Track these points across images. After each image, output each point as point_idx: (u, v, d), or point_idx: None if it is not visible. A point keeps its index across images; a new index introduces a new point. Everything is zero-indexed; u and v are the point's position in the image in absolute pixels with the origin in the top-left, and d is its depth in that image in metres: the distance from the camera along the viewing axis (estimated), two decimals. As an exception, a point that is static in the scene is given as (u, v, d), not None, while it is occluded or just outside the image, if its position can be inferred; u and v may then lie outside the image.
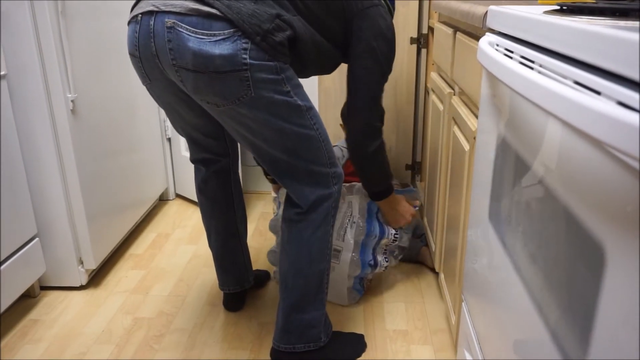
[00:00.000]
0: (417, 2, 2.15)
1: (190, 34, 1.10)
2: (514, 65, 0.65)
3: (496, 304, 0.89)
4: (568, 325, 0.59)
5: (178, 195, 2.58)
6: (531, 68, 0.68)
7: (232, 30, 1.10)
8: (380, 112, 1.51)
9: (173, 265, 1.95)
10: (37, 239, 1.67)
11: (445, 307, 1.53)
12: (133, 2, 1.23)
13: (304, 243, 1.31)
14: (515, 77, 0.62)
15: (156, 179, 2.35)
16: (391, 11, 1.42)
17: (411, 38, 2.18)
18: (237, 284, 1.64)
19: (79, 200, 1.68)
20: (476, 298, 1.05)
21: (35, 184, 1.65)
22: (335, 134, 2.28)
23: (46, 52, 1.53)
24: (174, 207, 2.47)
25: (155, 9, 1.13)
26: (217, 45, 1.09)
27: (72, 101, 1.61)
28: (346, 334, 1.51)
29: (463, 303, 1.18)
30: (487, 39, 0.90)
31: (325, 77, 2.26)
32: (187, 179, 2.45)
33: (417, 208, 1.73)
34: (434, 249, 1.71)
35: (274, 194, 2.01)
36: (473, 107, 1.23)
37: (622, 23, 0.58)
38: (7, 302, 1.54)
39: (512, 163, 0.81)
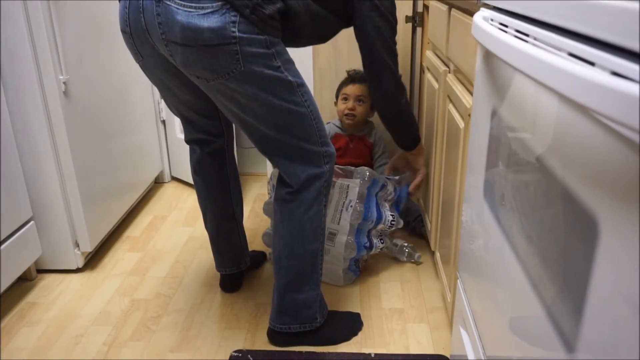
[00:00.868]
0: (412, -20, 2.12)
1: (178, 7, 1.09)
2: (508, 38, 0.64)
3: (491, 282, 0.90)
4: (562, 300, 0.59)
5: (174, 178, 2.58)
6: (526, 41, 0.67)
7: (220, 3, 1.09)
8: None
9: (170, 247, 1.95)
10: (32, 222, 1.66)
11: (441, 286, 1.54)
12: None
13: (296, 222, 1.30)
14: (509, 50, 0.62)
15: (151, 161, 2.34)
16: None
17: (406, 17, 2.16)
18: (234, 265, 1.64)
19: (74, 183, 1.67)
20: (471, 276, 1.05)
21: (29, 166, 1.64)
22: (332, 115, 2.27)
23: (36, 33, 1.51)
24: (169, 190, 2.47)
25: None
26: (205, 18, 1.08)
27: (64, 83, 1.59)
28: (342, 313, 1.52)
29: (458, 281, 1.19)
30: (482, 14, 0.89)
31: (320, 58, 2.24)
32: (182, 162, 2.44)
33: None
34: (429, 228, 1.72)
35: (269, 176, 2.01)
36: (468, 84, 1.22)
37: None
38: (4, 285, 1.54)
39: (507, 139, 0.80)
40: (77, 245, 1.76)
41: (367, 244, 1.66)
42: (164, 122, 2.45)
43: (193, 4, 1.09)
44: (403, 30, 2.19)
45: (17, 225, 1.59)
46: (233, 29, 1.09)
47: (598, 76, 0.42)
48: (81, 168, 1.70)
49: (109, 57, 1.91)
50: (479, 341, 0.97)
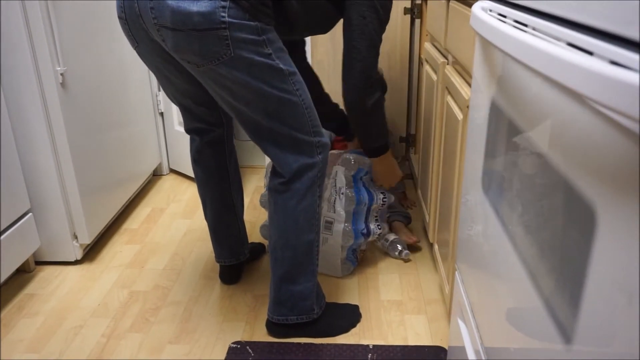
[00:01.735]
0: (411, -29, 2.11)
1: None
2: (507, 28, 0.64)
3: (489, 273, 0.90)
4: (559, 290, 0.59)
5: (172, 170, 2.58)
6: (524, 32, 0.67)
7: None
8: (377, 68, 1.46)
9: (168, 239, 1.95)
10: (30, 214, 1.66)
11: (439, 278, 1.54)
12: None
13: (289, 213, 1.30)
14: (508, 40, 0.61)
15: (149, 153, 2.34)
16: None
17: (405, 8, 2.15)
18: (232, 257, 1.64)
19: (72, 175, 1.67)
20: (470, 268, 1.06)
21: (27, 158, 1.63)
22: (329, 106, 2.27)
23: (33, 24, 1.50)
24: (168, 182, 2.47)
25: None
26: (195, 2, 1.08)
27: (61, 74, 1.59)
28: (341, 305, 1.52)
29: (457, 273, 1.19)
30: (480, 4, 0.88)
31: (319, 49, 2.23)
32: (180, 154, 2.44)
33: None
34: (428, 220, 1.72)
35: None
36: (466, 76, 1.22)
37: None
38: (2, 277, 1.54)
39: (505, 130, 0.80)
40: (75, 237, 1.76)
41: (364, 231, 1.66)
42: (162, 114, 2.45)
43: None
44: (401, 22, 2.18)
45: (15, 217, 1.59)
46: (223, 14, 1.09)
47: (597, 65, 0.41)
48: (79, 160, 1.70)
49: (106, 49, 1.91)
50: (476, 332, 0.98)
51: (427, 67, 1.77)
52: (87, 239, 1.76)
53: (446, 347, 1.38)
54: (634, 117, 0.38)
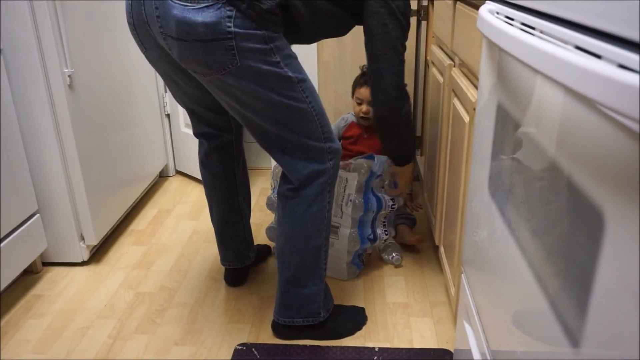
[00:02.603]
0: (418, -26, 2.11)
1: (174, 1, 1.09)
2: (514, 31, 0.64)
3: (496, 276, 0.90)
4: (567, 294, 0.59)
5: (178, 172, 2.58)
6: (532, 34, 0.67)
7: None
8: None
9: (174, 241, 1.96)
10: (37, 215, 1.67)
11: (445, 280, 1.54)
12: None
13: (298, 219, 1.30)
14: (515, 43, 0.61)
15: (156, 155, 2.35)
16: None
17: (411, 11, 2.15)
18: (237, 260, 1.64)
19: (79, 176, 1.68)
20: (476, 270, 1.05)
21: (34, 160, 1.64)
22: (336, 109, 2.27)
23: (42, 26, 1.51)
24: (174, 184, 2.47)
25: None
26: (200, 12, 1.07)
27: (69, 76, 1.59)
28: (347, 308, 1.52)
29: (463, 275, 1.19)
30: (487, 7, 0.88)
31: (325, 51, 2.23)
32: (187, 156, 2.44)
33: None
34: (434, 222, 1.72)
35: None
36: (473, 78, 1.22)
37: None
38: (9, 278, 1.55)
39: (512, 133, 0.80)
40: (82, 238, 1.77)
41: (371, 236, 1.66)
42: (168, 115, 2.45)
43: None
44: (408, 24, 2.18)
45: (23, 219, 1.59)
46: (228, 24, 1.07)
47: (605, 69, 0.41)
48: (86, 162, 1.70)
49: (113, 51, 1.91)
50: (482, 335, 0.97)
51: (433, 70, 1.76)
52: (93, 240, 1.77)
53: (452, 350, 1.38)
54: (636, 118, 0.38)
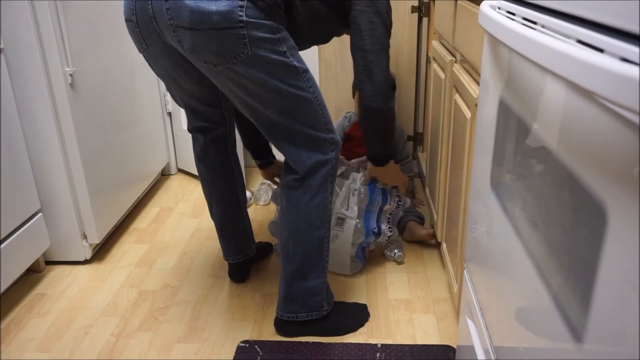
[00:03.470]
0: (418, -30, 2.11)
1: None
2: (515, 26, 0.63)
3: (498, 271, 0.89)
4: (569, 289, 0.59)
5: (180, 170, 2.58)
6: (533, 29, 0.67)
7: None
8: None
9: (176, 239, 1.96)
10: (40, 214, 1.67)
11: (448, 277, 1.54)
12: None
13: (302, 209, 1.31)
14: (517, 37, 0.61)
15: (158, 153, 2.35)
16: None
17: (412, 7, 2.15)
18: (240, 253, 1.65)
19: (81, 175, 1.68)
20: (478, 266, 1.05)
21: (36, 159, 1.65)
22: (337, 106, 2.27)
23: (43, 25, 1.51)
24: (176, 182, 2.47)
25: None
26: (213, 2, 1.09)
27: (70, 75, 1.59)
28: (349, 304, 1.52)
29: (465, 271, 1.19)
30: (489, 2, 0.88)
31: (326, 49, 2.23)
32: (188, 154, 2.44)
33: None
34: (436, 219, 1.71)
35: (262, 180, 2.04)
36: (475, 74, 1.21)
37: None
38: (13, 277, 1.55)
39: (514, 128, 0.80)
40: (84, 237, 1.77)
41: (376, 230, 1.67)
42: (170, 114, 2.45)
43: None
44: (409, 21, 2.18)
45: (26, 218, 1.60)
46: (241, 13, 1.10)
47: (608, 62, 0.41)
48: (88, 160, 1.71)
49: (115, 50, 1.91)
50: (485, 331, 0.97)
51: (434, 66, 1.76)
52: (96, 238, 1.77)
53: (455, 346, 1.38)
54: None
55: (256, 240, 1.76)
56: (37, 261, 1.73)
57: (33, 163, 1.65)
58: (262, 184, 2.21)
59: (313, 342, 1.41)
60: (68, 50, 1.58)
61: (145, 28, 1.21)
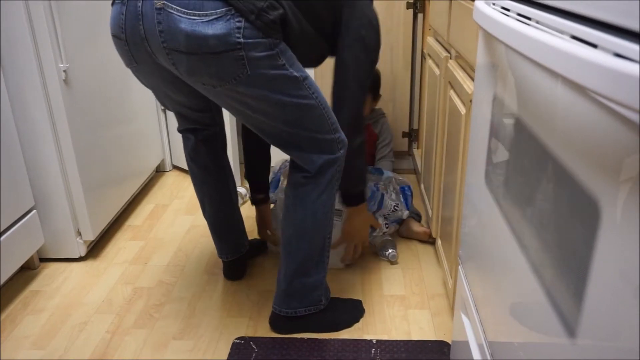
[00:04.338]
0: (413, -34, 2.11)
1: (181, 15, 1.07)
2: (510, 21, 0.63)
3: (493, 267, 0.90)
4: (563, 284, 0.59)
5: (175, 167, 2.58)
6: (528, 25, 0.67)
7: (224, 9, 1.07)
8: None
9: (171, 236, 1.96)
10: (34, 211, 1.67)
11: (443, 273, 1.54)
12: None
13: (309, 206, 1.32)
14: (511, 33, 0.61)
15: (152, 150, 2.34)
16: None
17: (407, 3, 2.15)
18: (235, 251, 1.65)
19: (75, 172, 1.67)
20: (473, 262, 1.06)
21: (30, 155, 1.64)
22: (332, 102, 2.26)
23: (36, 21, 1.50)
24: (171, 179, 2.47)
25: None
26: (210, 25, 1.07)
27: (64, 71, 1.59)
28: (344, 300, 1.53)
29: (460, 267, 1.19)
30: (483, -2, 0.88)
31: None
32: (183, 151, 2.44)
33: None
34: (431, 215, 1.72)
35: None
36: (469, 70, 1.22)
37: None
38: (7, 274, 1.55)
39: (509, 124, 0.80)
40: (79, 234, 1.76)
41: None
42: (164, 110, 2.44)
43: (196, 11, 1.07)
44: (404, 17, 2.18)
45: (20, 214, 1.59)
46: (238, 35, 1.08)
47: (601, 58, 0.41)
48: (82, 157, 1.70)
49: (109, 46, 1.90)
50: (480, 326, 0.98)
51: (429, 62, 1.76)
52: (90, 235, 1.77)
53: (450, 342, 1.38)
54: (637, 108, 0.38)
55: (250, 238, 1.75)
56: (31, 258, 1.73)
57: (27, 160, 1.64)
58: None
59: (308, 338, 1.41)
60: (62, 46, 1.57)
61: (135, 47, 1.17)
